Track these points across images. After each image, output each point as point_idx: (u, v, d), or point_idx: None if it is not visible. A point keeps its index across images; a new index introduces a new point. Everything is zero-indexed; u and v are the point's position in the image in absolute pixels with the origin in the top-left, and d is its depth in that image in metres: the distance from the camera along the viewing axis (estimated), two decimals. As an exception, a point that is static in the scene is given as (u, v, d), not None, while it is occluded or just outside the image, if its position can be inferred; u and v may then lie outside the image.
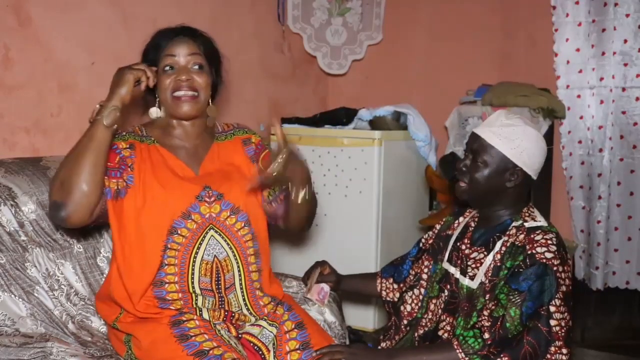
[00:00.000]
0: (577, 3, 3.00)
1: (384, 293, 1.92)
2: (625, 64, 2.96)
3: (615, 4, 2.92)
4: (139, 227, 1.60)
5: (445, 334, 1.64)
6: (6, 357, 1.45)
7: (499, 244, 1.61)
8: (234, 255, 1.67)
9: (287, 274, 2.08)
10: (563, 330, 1.52)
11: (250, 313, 1.69)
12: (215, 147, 1.77)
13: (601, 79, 3.02)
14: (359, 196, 2.78)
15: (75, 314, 1.75)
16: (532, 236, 1.56)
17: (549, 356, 1.51)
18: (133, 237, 1.60)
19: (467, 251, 1.69)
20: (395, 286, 1.90)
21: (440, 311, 1.69)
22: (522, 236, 1.58)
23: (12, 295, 1.65)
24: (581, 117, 3.07)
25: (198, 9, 2.74)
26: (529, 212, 1.65)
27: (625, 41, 2.94)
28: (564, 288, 1.53)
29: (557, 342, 1.51)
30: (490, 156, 1.61)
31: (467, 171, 1.66)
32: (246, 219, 1.70)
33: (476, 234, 1.70)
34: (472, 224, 1.74)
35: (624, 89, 2.98)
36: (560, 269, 1.53)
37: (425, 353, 1.58)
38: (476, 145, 1.64)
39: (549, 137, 3.00)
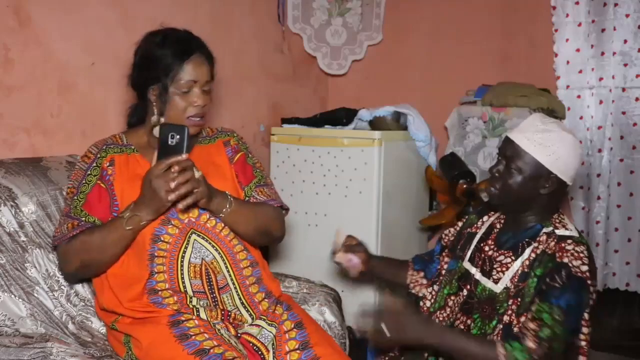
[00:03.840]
0: (577, 3, 3.00)
1: (411, 285, 1.88)
2: (625, 64, 2.96)
3: (615, 4, 2.92)
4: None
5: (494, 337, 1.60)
6: (6, 357, 1.45)
7: (528, 250, 1.57)
8: (221, 257, 1.66)
9: (287, 274, 2.08)
10: (588, 345, 1.52)
11: (248, 312, 1.69)
12: (196, 149, 1.78)
13: (600, 79, 3.01)
14: (359, 196, 2.78)
15: (76, 315, 1.75)
16: (562, 245, 1.52)
17: None
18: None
19: (491, 253, 1.65)
20: (425, 281, 1.86)
21: (457, 309, 1.67)
22: (552, 244, 1.54)
23: (12, 296, 1.65)
24: (581, 118, 3.07)
25: (198, 9, 2.74)
26: (560, 218, 1.61)
27: (625, 41, 2.94)
28: (591, 302, 1.52)
29: (581, 357, 1.52)
30: (524, 163, 1.57)
31: (500, 177, 1.62)
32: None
33: (503, 237, 1.66)
34: (498, 226, 1.70)
35: (624, 89, 2.98)
36: (591, 282, 1.50)
37: (473, 344, 1.53)
38: (510, 151, 1.59)
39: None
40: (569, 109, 3.05)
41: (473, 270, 1.67)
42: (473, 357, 1.52)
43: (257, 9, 3.11)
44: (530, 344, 1.46)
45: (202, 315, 1.62)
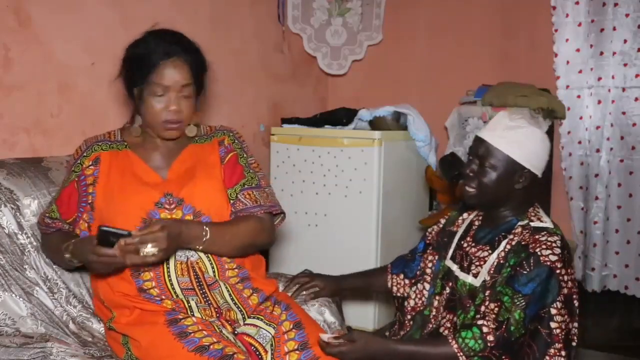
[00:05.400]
0: (577, 3, 3.00)
1: (395, 289, 1.90)
2: (625, 64, 2.96)
3: (615, 4, 2.92)
4: None
5: (446, 331, 1.64)
6: (6, 357, 1.45)
7: (503, 243, 1.60)
8: (207, 257, 1.64)
9: (287, 275, 2.07)
10: (563, 333, 1.52)
11: (238, 308, 1.68)
12: (190, 147, 1.75)
13: (599, 79, 3.01)
14: (359, 196, 2.78)
15: (76, 316, 1.75)
16: (536, 236, 1.56)
17: (547, 358, 1.51)
18: None
19: (469, 249, 1.68)
20: (407, 281, 1.88)
21: (442, 308, 1.70)
22: (527, 235, 1.57)
23: (13, 295, 1.65)
24: (581, 118, 3.07)
25: (198, 9, 2.74)
26: (535, 211, 1.65)
27: (625, 41, 2.94)
28: (565, 291, 1.53)
29: (556, 344, 1.51)
30: (497, 160, 1.60)
31: (474, 176, 1.64)
32: (210, 221, 1.66)
33: (480, 233, 1.69)
34: (477, 223, 1.73)
35: (624, 89, 2.97)
36: (563, 272, 1.53)
37: (422, 345, 1.59)
38: (482, 150, 1.63)
39: (549, 137, 2.99)
40: (568, 109, 3.05)
41: (454, 267, 1.70)
42: (429, 357, 1.56)
43: (257, 9, 3.11)
44: (485, 328, 1.50)
45: (197, 314, 1.61)
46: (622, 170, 3.01)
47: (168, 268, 1.61)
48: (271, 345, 1.63)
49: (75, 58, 2.22)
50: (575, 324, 1.58)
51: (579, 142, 3.09)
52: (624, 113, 2.98)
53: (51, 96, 2.16)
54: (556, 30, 3.06)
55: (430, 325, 1.71)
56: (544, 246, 1.53)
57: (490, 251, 1.63)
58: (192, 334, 1.53)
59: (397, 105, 2.98)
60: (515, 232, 1.60)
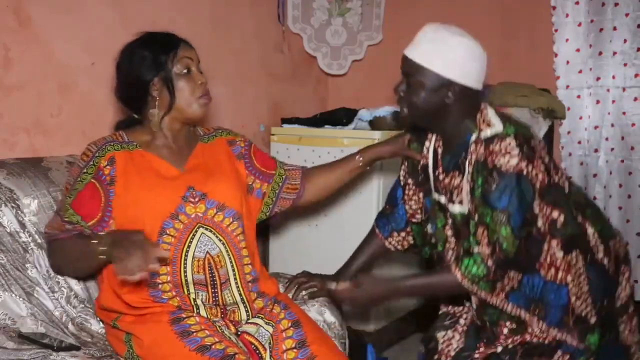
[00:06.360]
0: (577, 3, 3.00)
1: (399, 247, 1.89)
2: (625, 64, 2.95)
3: (616, 4, 2.92)
4: None
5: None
6: (6, 357, 1.45)
7: (466, 166, 1.57)
8: (227, 251, 1.68)
9: (287, 275, 2.07)
10: (547, 225, 1.50)
11: (245, 308, 1.69)
12: (200, 146, 1.81)
13: (597, 78, 3.01)
14: (359, 196, 2.78)
15: (75, 316, 1.75)
16: (490, 147, 1.51)
17: (544, 254, 1.50)
18: None
19: (443, 179, 1.66)
20: (403, 234, 1.87)
21: (453, 238, 1.68)
22: (481, 150, 1.53)
23: (13, 295, 1.65)
24: (580, 118, 3.07)
25: (198, 9, 2.74)
26: (483, 116, 1.59)
27: (625, 41, 2.94)
28: (538, 185, 1.50)
29: (547, 237, 1.50)
30: (423, 76, 1.56)
31: (404, 96, 1.62)
32: (234, 214, 1.72)
33: (446, 160, 1.66)
34: (439, 150, 1.69)
35: (624, 89, 2.97)
36: (530, 168, 1.49)
37: (426, 277, 1.61)
38: (407, 67, 1.60)
39: (549, 137, 2.99)
40: (568, 109, 3.05)
41: (442, 199, 1.68)
42: (436, 289, 1.59)
43: (257, 9, 3.11)
44: (482, 254, 1.49)
45: (202, 312, 1.63)
46: (623, 170, 3.01)
47: (185, 265, 1.62)
48: (269, 343, 1.64)
49: (75, 58, 2.22)
50: (557, 212, 1.53)
51: (579, 142, 3.09)
52: (624, 113, 2.98)
53: (51, 96, 2.16)
54: (556, 30, 3.06)
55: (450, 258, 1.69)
56: (500, 155, 1.49)
57: (461, 177, 1.59)
58: (195, 334, 1.54)
59: (398, 106, 2.98)
60: (472, 151, 1.55)
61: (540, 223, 1.50)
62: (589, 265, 1.57)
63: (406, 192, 1.82)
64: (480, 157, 1.52)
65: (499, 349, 1.58)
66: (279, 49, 3.28)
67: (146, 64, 1.68)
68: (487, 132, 1.54)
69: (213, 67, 2.73)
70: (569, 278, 1.54)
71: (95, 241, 1.53)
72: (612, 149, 3.01)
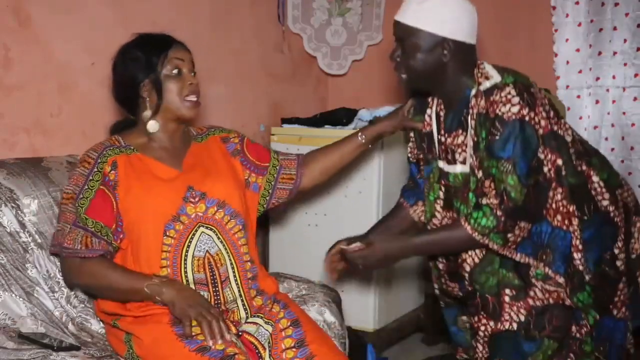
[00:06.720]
0: (577, 3, 3.00)
1: (422, 218, 1.86)
2: (625, 64, 2.95)
3: (616, 4, 2.92)
4: (137, 238, 1.64)
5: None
6: (6, 357, 1.45)
7: (469, 121, 1.57)
8: (225, 249, 1.69)
9: (287, 274, 2.08)
10: (552, 171, 1.50)
11: (244, 306, 1.69)
12: (194, 146, 1.81)
13: (597, 78, 3.01)
14: (359, 196, 2.78)
15: (75, 316, 1.75)
16: (490, 98, 1.52)
17: (550, 201, 1.50)
18: (133, 246, 1.65)
19: (447, 141, 1.65)
20: None
21: (441, 209, 1.69)
22: (482, 102, 1.53)
23: (13, 295, 1.65)
24: (580, 118, 3.07)
25: (198, 9, 2.74)
26: (480, 71, 1.60)
27: (625, 41, 2.94)
28: (541, 131, 1.50)
29: (552, 184, 1.50)
30: (416, 38, 1.57)
31: (401, 62, 1.62)
32: (233, 212, 1.73)
33: (448, 120, 1.66)
34: (441, 113, 1.69)
35: (624, 89, 2.97)
36: (532, 114, 1.50)
37: (437, 233, 1.60)
38: (399, 32, 1.60)
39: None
40: (568, 109, 3.05)
41: (442, 164, 1.68)
42: (446, 244, 1.57)
43: (257, 9, 3.11)
44: (491, 205, 1.49)
45: None
46: (623, 170, 3.01)
47: (185, 264, 1.63)
48: (269, 342, 1.65)
49: (75, 58, 2.22)
50: (561, 160, 1.54)
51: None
52: (624, 113, 2.98)
53: (51, 96, 2.16)
54: (556, 30, 3.06)
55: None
56: (501, 104, 1.49)
57: (465, 134, 1.60)
58: (195, 335, 1.54)
59: (397, 105, 2.97)
60: (473, 105, 1.56)
61: (545, 169, 1.50)
62: (594, 214, 1.57)
63: (421, 167, 1.82)
64: (481, 110, 1.53)
65: (514, 325, 1.56)
66: (279, 49, 3.28)
67: (138, 65, 1.69)
68: (486, 84, 1.56)
69: (213, 67, 2.74)
70: (574, 225, 1.54)
71: (153, 284, 1.57)
72: (612, 149, 3.01)
